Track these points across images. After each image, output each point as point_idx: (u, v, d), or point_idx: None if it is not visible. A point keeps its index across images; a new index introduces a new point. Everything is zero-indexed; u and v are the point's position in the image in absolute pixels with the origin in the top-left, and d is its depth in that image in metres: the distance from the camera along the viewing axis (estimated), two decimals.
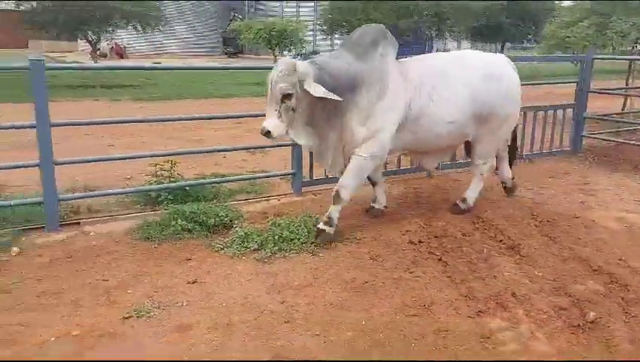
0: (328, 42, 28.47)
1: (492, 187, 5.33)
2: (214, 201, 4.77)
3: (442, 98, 4.23)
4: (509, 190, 5.20)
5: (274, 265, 3.70)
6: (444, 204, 4.93)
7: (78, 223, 4.37)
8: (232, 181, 5.31)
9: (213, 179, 5.34)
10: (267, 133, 3.69)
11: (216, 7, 38.47)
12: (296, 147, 5.11)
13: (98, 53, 28.75)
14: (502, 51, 26.64)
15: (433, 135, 4.31)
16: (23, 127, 4.39)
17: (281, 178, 5.68)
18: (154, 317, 2.99)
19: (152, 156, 4.97)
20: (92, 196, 4.70)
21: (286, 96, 3.67)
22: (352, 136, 4.02)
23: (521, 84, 4.66)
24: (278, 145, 5.23)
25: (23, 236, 4.06)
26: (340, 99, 3.74)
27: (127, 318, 2.96)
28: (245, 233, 4.06)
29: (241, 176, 5.55)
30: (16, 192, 4.81)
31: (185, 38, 32.68)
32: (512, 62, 4.74)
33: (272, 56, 18.83)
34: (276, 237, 3.98)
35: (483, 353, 2.73)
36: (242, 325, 2.93)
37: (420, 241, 4.12)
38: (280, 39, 18.81)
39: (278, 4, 37.91)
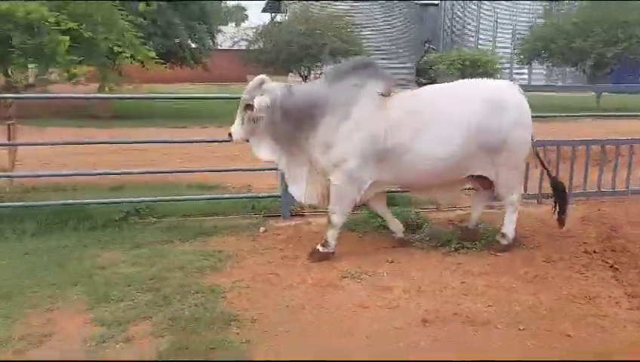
0: (525, 71, 27.90)
1: None
2: (407, 207, 5.69)
3: (430, 134, 4.08)
4: (466, 232, 4.78)
5: (457, 257, 4.47)
6: (630, 227, 5.13)
7: (303, 215, 5.66)
8: None
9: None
10: (229, 135, 4.28)
11: (411, 39, 40.01)
12: None
13: None
14: None
15: (419, 171, 4.19)
16: None
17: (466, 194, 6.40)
18: (362, 279, 4.01)
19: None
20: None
21: (248, 106, 4.15)
22: (317, 163, 4.24)
23: None
24: None
25: (266, 221, 5.45)
26: (261, 114, 4.09)
27: (344, 277, 4.03)
28: (433, 232, 4.91)
29: None
30: (260, 189, 6.30)
31: (385, 69, 34.49)
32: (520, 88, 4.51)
33: None
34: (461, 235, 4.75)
35: (636, 334, 3.18)
36: (429, 291, 3.79)
37: (594, 251, 4.53)
38: (474, 69, 19.32)
39: (473, 36, 38.12)
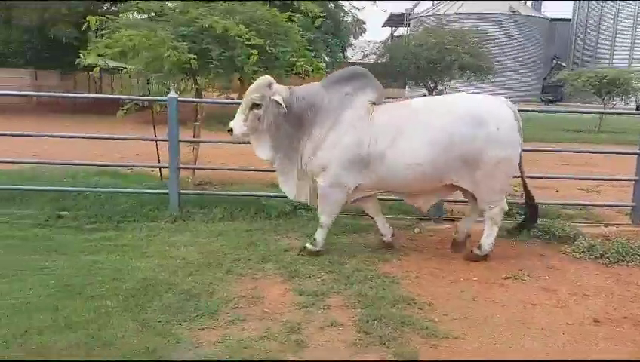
0: None
1: None
2: (557, 220, 5.81)
3: (409, 142, 4.26)
4: (456, 245, 4.90)
5: (617, 269, 4.58)
6: None
7: (453, 220, 5.99)
8: (575, 205, 6.33)
9: (565, 202, 6.46)
10: (230, 131, 4.34)
11: (538, 55, 38.57)
12: (638, 182, 5.81)
13: None
14: None
15: (399, 176, 4.37)
16: None
17: (617, 211, 6.37)
18: (526, 281, 4.27)
19: None
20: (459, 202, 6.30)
21: (255, 105, 4.28)
22: (307, 163, 4.45)
23: None
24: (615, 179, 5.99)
25: (418, 223, 5.85)
26: (284, 110, 4.25)
27: (507, 278, 4.31)
28: (590, 244, 5.02)
29: (581, 202, 6.51)
30: None
31: (509, 85, 33.77)
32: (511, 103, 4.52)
33: (602, 104, 18.56)
34: (619, 249, 4.84)
35: None
36: (595, 296, 3.98)
37: None
38: (611, 87, 18.40)
39: (607, 53, 35.96)
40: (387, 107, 4.52)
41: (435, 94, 21.01)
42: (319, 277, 4.20)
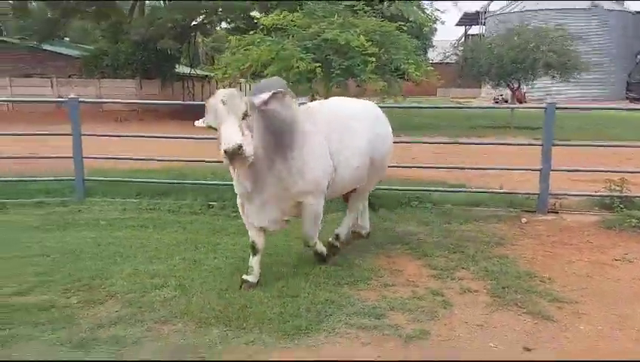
0: None
1: None
2: None
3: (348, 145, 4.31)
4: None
5: None
6: None
7: (557, 212, 6.48)
8: None
9: None
10: (239, 148, 3.35)
11: (619, 51, 37.09)
12: None
13: (501, 97, 31.72)
14: None
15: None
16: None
17: None
18: (633, 262, 4.77)
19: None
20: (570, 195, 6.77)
21: (245, 114, 3.50)
22: (293, 189, 3.96)
23: None
24: None
25: (527, 214, 6.39)
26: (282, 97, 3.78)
27: (616, 260, 4.83)
28: None
29: None
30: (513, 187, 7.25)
31: (592, 83, 32.82)
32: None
33: None
34: None
35: None
36: None
37: None
38: None
39: None
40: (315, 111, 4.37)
41: (517, 93, 21.03)
42: (446, 257, 4.88)
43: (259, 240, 4.17)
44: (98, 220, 5.99)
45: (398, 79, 7.16)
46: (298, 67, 6.54)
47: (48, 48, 26.49)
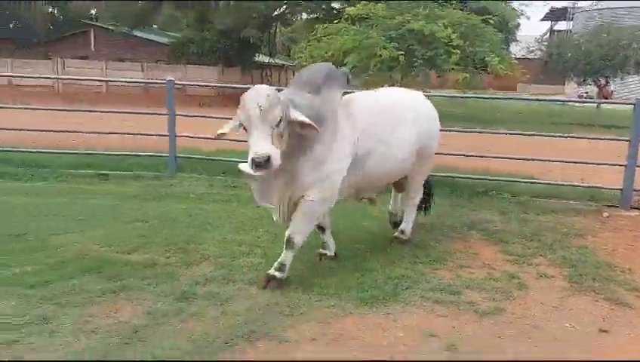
0: None
1: None
2: None
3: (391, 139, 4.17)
4: None
5: None
6: None
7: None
8: None
9: None
10: (267, 160, 3.20)
11: None
12: None
13: (586, 95, 30.32)
14: None
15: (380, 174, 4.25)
16: None
17: None
18: None
19: None
20: None
21: (279, 123, 3.34)
22: (303, 179, 3.68)
23: None
24: None
25: (608, 209, 6.26)
26: (317, 129, 3.47)
27: None
28: None
29: None
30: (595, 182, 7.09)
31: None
32: None
33: None
34: None
35: None
36: None
37: None
38: None
39: None
40: (360, 103, 4.19)
41: (603, 90, 20.05)
42: (523, 244, 4.92)
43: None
44: (188, 193, 6.46)
45: (481, 71, 7.15)
46: (380, 55, 6.69)
47: (139, 35, 28.10)
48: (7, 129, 7.70)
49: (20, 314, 3.19)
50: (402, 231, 4.87)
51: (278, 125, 3.33)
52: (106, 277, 3.82)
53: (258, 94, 3.32)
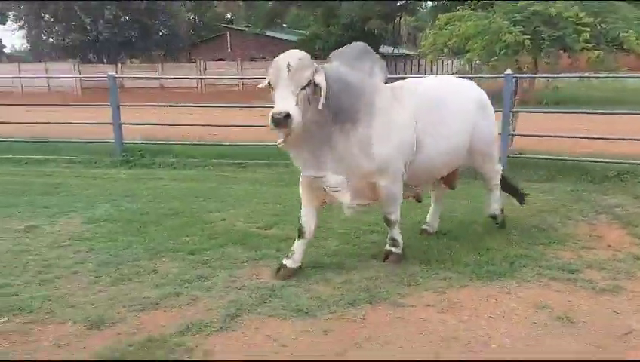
0: None
1: None
2: None
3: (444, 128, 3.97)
4: None
5: None
6: None
7: None
8: None
9: None
10: (286, 117, 3.13)
11: None
12: None
13: None
14: None
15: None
16: None
17: None
18: None
19: None
20: None
21: (308, 85, 3.29)
22: (357, 166, 3.58)
23: None
24: None
25: None
26: (324, 98, 3.30)
27: None
28: None
29: None
30: None
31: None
32: None
33: None
34: None
35: None
36: None
37: None
38: None
39: None
40: (408, 89, 4.07)
41: None
42: None
43: (309, 222, 3.93)
44: None
45: (613, 49, 6.75)
46: (505, 40, 6.67)
47: (270, 34, 29.74)
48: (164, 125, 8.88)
49: (182, 274, 3.88)
50: (494, 216, 4.78)
51: (305, 88, 3.28)
52: (248, 247, 4.42)
53: (290, 56, 3.32)
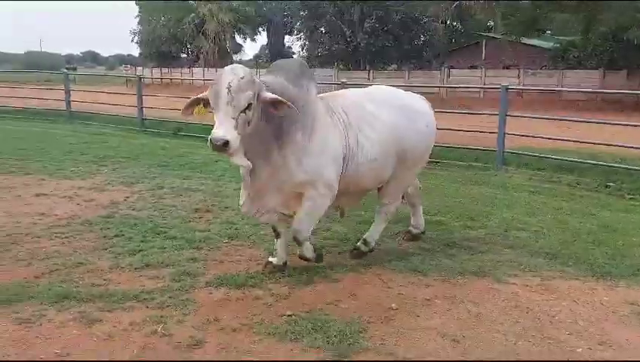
0: None
1: None
2: None
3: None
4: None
5: None
6: None
7: None
8: None
9: None
10: (225, 144, 3.11)
11: None
12: None
13: None
14: None
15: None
16: None
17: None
18: None
19: None
20: None
21: (248, 107, 3.22)
22: (290, 176, 3.64)
23: None
24: None
25: None
26: (293, 107, 3.38)
27: None
28: None
29: None
30: None
31: None
32: None
33: None
34: None
35: None
36: None
37: None
38: None
39: None
40: (337, 100, 4.08)
41: None
42: None
43: (279, 224, 4.03)
44: (505, 183, 7.47)
45: None
46: None
47: (525, 41, 28.81)
48: None
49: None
50: (365, 241, 4.47)
51: (245, 111, 3.22)
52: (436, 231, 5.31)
53: (231, 74, 3.21)
